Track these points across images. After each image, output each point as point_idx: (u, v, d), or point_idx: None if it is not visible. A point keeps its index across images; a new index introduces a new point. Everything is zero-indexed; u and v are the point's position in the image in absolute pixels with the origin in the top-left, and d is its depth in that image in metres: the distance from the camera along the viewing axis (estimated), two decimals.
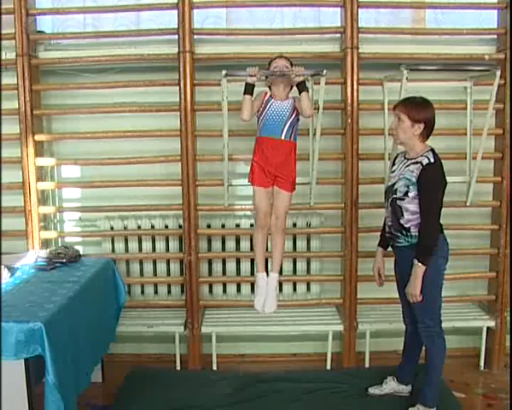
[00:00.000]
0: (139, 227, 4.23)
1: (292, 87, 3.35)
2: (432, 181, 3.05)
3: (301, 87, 3.27)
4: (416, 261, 3.07)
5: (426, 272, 3.07)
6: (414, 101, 3.14)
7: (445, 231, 3.21)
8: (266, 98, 3.35)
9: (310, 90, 3.55)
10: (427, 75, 3.87)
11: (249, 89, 3.27)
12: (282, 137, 3.31)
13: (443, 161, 3.11)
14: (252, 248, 4.12)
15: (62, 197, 4.33)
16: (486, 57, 3.84)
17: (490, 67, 3.58)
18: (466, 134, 3.78)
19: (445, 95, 3.92)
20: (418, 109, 3.09)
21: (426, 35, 4.06)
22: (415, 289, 3.09)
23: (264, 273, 3.53)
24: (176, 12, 3.80)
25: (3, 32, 3.80)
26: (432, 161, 3.05)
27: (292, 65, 3.33)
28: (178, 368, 4.15)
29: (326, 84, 3.47)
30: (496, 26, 3.96)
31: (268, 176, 3.35)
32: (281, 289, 4.28)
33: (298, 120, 3.36)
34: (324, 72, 3.35)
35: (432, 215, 3.07)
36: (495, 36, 3.96)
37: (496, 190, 4.08)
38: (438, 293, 3.21)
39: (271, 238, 3.55)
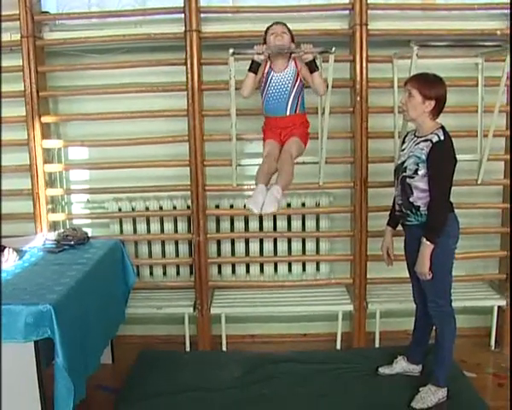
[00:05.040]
0: (147, 208, 4.21)
1: (291, 55, 3.29)
2: (442, 159, 3.01)
3: (312, 67, 3.23)
4: (424, 239, 3.05)
5: (436, 251, 3.04)
6: (426, 77, 3.10)
7: (456, 210, 3.17)
8: (267, 70, 3.29)
9: (319, 68, 3.51)
10: (438, 52, 3.81)
11: (255, 67, 3.24)
12: (288, 113, 3.27)
13: (453, 139, 3.07)
14: (260, 228, 4.12)
15: (70, 179, 4.32)
16: (498, 32, 3.78)
17: (502, 43, 3.51)
18: (477, 111, 3.71)
19: (455, 71, 3.87)
20: (430, 86, 3.04)
21: (436, 10, 3.99)
22: (423, 267, 3.07)
23: (264, 185, 3.01)
24: None
25: (8, 13, 3.76)
26: (442, 138, 3.01)
27: (289, 30, 3.28)
28: (188, 349, 4.16)
29: (335, 61, 3.41)
30: (508, 1, 3.86)
31: (279, 137, 3.31)
32: (290, 270, 4.29)
33: (303, 86, 3.29)
34: (333, 49, 3.30)
35: (441, 193, 3.04)
36: (507, 10, 3.87)
37: (507, 168, 4.03)
38: (448, 272, 3.19)
39: (278, 166, 3.17)
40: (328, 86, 3.49)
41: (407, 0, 3.94)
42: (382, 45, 3.85)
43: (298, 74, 3.27)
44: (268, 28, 3.33)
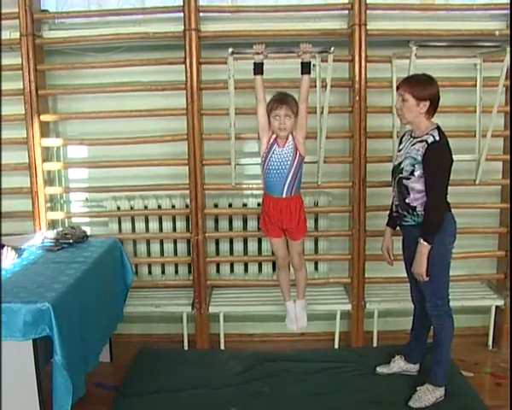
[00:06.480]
0: (146, 207, 4.21)
1: (296, 116, 3.28)
2: (437, 159, 3.01)
3: (305, 69, 3.23)
4: (421, 240, 3.05)
5: (433, 251, 3.05)
6: (417, 79, 3.10)
7: (454, 210, 3.17)
8: (271, 141, 3.35)
9: (317, 68, 3.53)
10: (437, 52, 3.81)
11: (258, 68, 3.24)
12: (284, 196, 3.38)
13: (452, 139, 3.08)
14: (259, 228, 4.12)
15: (69, 178, 4.32)
16: (497, 33, 3.78)
17: (500, 43, 3.53)
18: (475, 112, 3.73)
19: (454, 72, 3.88)
20: (422, 87, 3.04)
21: (435, 11, 3.99)
22: (420, 267, 3.08)
23: (292, 301, 3.78)
24: None
25: (7, 11, 3.76)
26: (437, 138, 3.01)
27: (297, 110, 3.27)
28: (186, 348, 4.15)
29: (334, 61, 3.43)
30: (507, 1, 3.87)
31: (278, 229, 3.50)
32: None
33: (301, 161, 3.36)
34: (332, 49, 3.32)
35: (437, 194, 3.04)
36: (506, 11, 3.87)
37: (505, 168, 4.04)
38: (445, 272, 3.19)
39: (294, 272, 3.77)
40: (327, 86, 3.51)
41: (406, 0, 3.95)
42: (381, 45, 3.86)
43: (296, 149, 3.32)
44: (273, 101, 3.29)
